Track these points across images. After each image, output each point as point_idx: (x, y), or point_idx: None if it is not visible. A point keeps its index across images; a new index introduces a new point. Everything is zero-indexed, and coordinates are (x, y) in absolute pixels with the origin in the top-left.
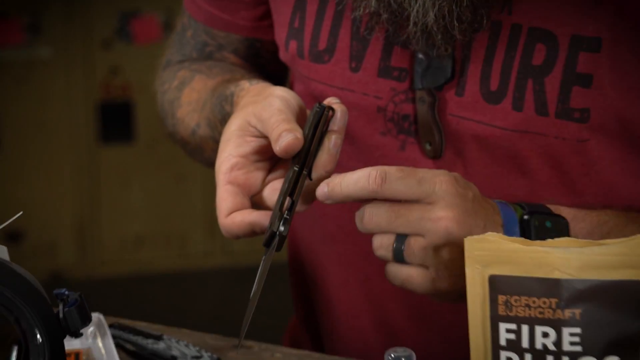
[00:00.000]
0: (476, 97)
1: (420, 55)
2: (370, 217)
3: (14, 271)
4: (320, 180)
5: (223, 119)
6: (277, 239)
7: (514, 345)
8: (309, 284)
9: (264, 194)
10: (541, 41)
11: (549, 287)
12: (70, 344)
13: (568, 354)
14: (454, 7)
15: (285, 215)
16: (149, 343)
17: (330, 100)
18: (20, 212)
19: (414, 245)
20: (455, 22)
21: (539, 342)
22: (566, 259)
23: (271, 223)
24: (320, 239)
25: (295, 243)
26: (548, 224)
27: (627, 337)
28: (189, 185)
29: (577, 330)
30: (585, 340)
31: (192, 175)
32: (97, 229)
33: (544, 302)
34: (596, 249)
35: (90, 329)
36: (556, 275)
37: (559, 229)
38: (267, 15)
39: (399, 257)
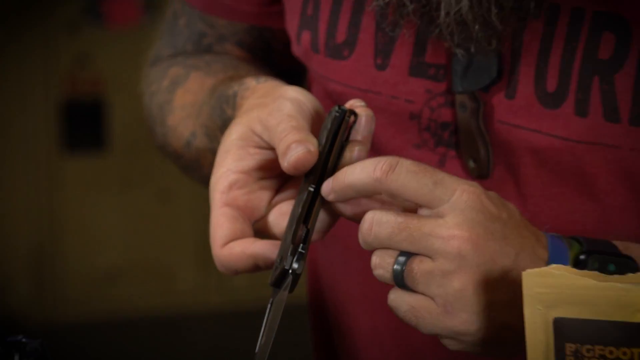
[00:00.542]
0: (530, 100)
1: (459, 52)
2: (370, 226)
3: None
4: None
5: (224, 124)
6: (290, 278)
7: None
8: (333, 328)
9: (269, 219)
10: (609, 29)
11: (631, 333)
12: None
13: None
14: None
15: (300, 249)
16: None
17: (353, 103)
18: None
19: (417, 268)
20: (493, 8)
21: None
22: None
23: (281, 257)
24: (344, 274)
25: (317, 275)
26: (611, 268)
27: None
28: (176, 205)
29: None
30: None
31: (180, 192)
32: (59, 260)
33: (624, 353)
34: None
35: None
36: (639, 318)
37: (625, 274)
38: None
39: (398, 280)
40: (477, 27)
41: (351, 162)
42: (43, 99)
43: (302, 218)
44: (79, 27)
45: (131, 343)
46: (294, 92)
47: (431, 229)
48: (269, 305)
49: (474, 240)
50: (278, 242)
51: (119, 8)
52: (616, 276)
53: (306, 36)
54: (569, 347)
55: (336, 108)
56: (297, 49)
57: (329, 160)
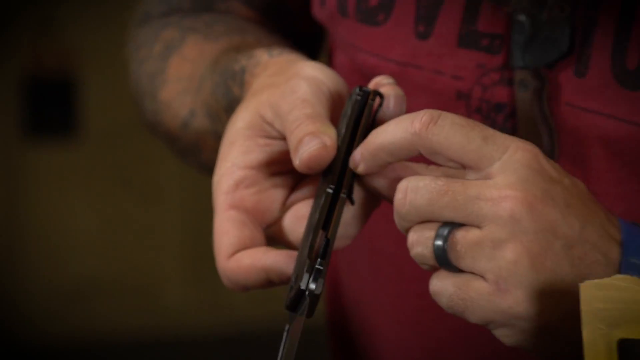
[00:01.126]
0: (606, 79)
1: (522, 18)
2: (404, 194)
3: None
4: None
5: (229, 106)
6: (307, 300)
7: None
8: (357, 352)
9: (284, 224)
10: None
11: None
12: None
13: None
14: None
15: (317, 265)
16: None
17: (380, 82)
18: None
19: (462, 240)
20: None
21: None
22: None
23: (297, 275)
24: (372, 285)
25: (338, 287)
26: None
27: None
28: (164, 206)
29: None
30: None
31: (169, 190)
32: (20, 271)
33: None
34: None
35: None
36: None
37: None
38: None
39: (441, 257)
40: None
41: None
42: (1, 76)
43: (320, 226)
44: None
45: None
46: (311, 70)
47: (478, 191)
48: (284, 334)
49: (530, 202)
50: (295, 253)
51: None
52: None
53: None
54: None
55: (357, 90)
56: (319, 12)
57: (350, 154)
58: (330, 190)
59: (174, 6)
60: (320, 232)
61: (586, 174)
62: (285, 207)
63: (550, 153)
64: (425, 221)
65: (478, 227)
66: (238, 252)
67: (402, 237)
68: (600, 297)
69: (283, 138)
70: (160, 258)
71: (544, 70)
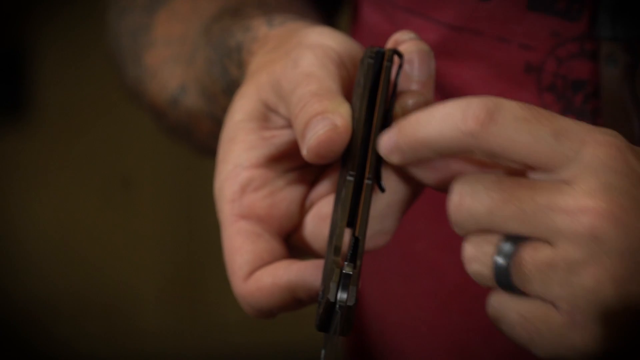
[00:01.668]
0: None
1: None
2: (460, 199)
3: None
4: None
5: (228, 88)
6: (338, 315)
7: None
8: None
9: (306, 228)
10: None
11: None
12: None
13: None
14: None
15: (345, 269)
16: None
17: (398, 38)
18: None
19: (530, 259)
20: None
21: None
22: None
23: (324, 286)
24: (403, 303)
25: (358, 309)
26: None
27: None
28: (138, 204)
29: None
30: None
31: (143, 182)
32: None
33: None
34: None
35: None
36: None
37: None
38: None
39: (502, 278)
40: None
41: None
42: None
43: (345, 222)
44: None
45: None
46: (317, 36)
47: (550, 200)
48: None
49: (615, 215)
50: (323, 261)
51: None
52: None
53: None
54: None
55: (368, 51)
56: None
57: (370, 133)
58: (351, 178)
59: None
60: (346, 230)
61: None
62: (305, 208)
63: None
64: (485, 230)
65: (549, 243)
66: (256, 271)
67: (444, 239)
68: None
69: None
70: (133, 271)
71: (637, 43)
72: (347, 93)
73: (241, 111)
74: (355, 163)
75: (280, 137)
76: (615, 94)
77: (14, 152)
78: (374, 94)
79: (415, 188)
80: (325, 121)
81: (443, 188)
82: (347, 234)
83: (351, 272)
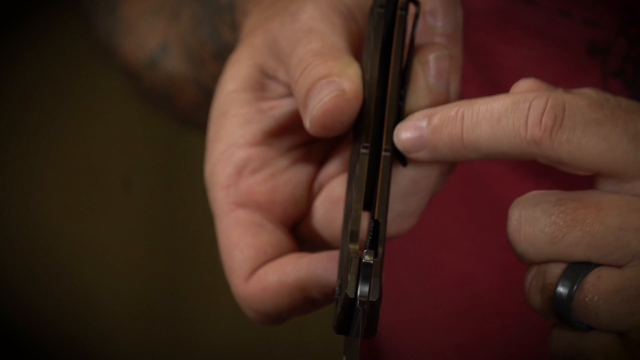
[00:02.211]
0: None
1: None
2: (518, 225)
3: None
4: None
5: (219, 53)
6: (359, 313)
7: None
8: None
9: (316, 215)
10: None
11: None
12: None
13: None
14: None
15: (364, 258)
16: None
17: None
18: None
19: (593, 287)
20: None
21: None
22: None
23: (341, 280)
24: (427, 323)
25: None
26: None
27: None
28: (103, 193)
29: None
30: None
31: (108, 166)
32: None
33: None
34: None
35: None
36: None
37: None
38: None
39: (562, 310)
40: None
41: (427, 85)
42: None
43: (361, 204)
44: None
45: None
46: None
47: (623, 220)
48: None
49: None
50: (337, 253)
51: None
52: None
53: None
54: None
55: None
56: None
57: (385, 96)
58: (365, 151)
59: None
60: (363, 214)
61: None
62: (313, 192)
63: None
64: (548, 260)
65: (618, 267)
66: (259, 269)
67: (479, 250)
68: None
69: None
70: (99, 285)
71: None
72: (357, 51)
73: (234, 80)
74: (369, 133)
75: (280, 108)
76: None
77: (14, 151)
78: (387, 50)
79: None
80: (330, 86)
81: None
82: (364, 218)
83: (372, 261)
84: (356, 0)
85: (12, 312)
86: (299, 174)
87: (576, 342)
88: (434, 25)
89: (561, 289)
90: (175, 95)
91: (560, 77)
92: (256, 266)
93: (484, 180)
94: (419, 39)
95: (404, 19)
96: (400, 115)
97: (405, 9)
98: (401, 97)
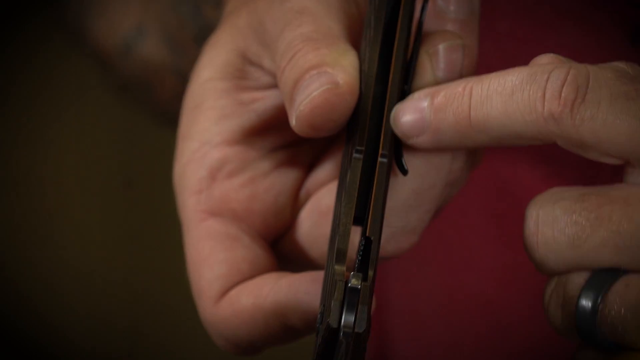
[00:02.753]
0: None
1: None
2: (537, 229)
3: None
4: None
5: (200, 35)
6: (343, 345)
7: None
8: None
9: (300, 229)
10: None
11: None
12: None
13: None
14: None
15: (351, 282)
16: None
17: None
18: None
19: (620, 298)
20: None
21: None
22: None
23: (323, 306)
24: (433, 337)
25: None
26: None
27: None
28: (143, 200)
29: None
30: None
31: (147, 178)
32: None
33: None
34: None
35: None
36: None
37: None
38: None
39: (585, 326)
40: None
41: (436, 82)
42: None
43: (351, 218)
44: None
45: None
46: None
47: None
48: None
49: None
50: (322, 274)
51: None
52: None
53: None
54: None
55: None
56: None
57: (385, 93)
58: (359, 155)
59: None
60: (354, 229)
61: None
62: (299, 201)
63: None
64: (572, 269)
65: None
66: (232, 289)
67: (504, 270)
68: None
69: None
70: (134, 273)
71: None
72: (355, 38)
73: (211, 66)
74: (364, 135)
75: (264, 102)
76: None
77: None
78: (390, 38)
79: (458, 167)
80: (322, 78)
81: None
82: (355, 234)
83: (359, 286)
84: None
85: (12, 312)
86: (283, 179)
87: None
88: (445, 9)
89: (584, 302)
90: (153, 85)
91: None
92: (228, 286)
93: (510, 192)
94: (427, 26)
95: (410, 1)
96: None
97: None
98: (404, 93)
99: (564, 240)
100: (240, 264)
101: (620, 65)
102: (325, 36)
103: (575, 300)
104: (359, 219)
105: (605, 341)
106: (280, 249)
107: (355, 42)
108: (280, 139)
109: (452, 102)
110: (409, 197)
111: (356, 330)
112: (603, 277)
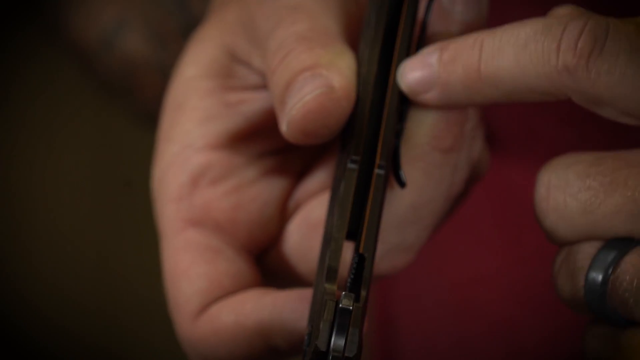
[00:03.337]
0: None
1: None
2: (549, 194)
3: None
4: None
5: (186, 28)
6: None
7: None
8: None
9: (289, 242)
10: None
11: None
12: None
13: None
14: None
15: (342, 302)
16: None
17: None
18: None
19: (632, 269)
20: None
21: None
22: None
23: (311, 327)
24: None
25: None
26: None
27: None
28: (143, 200)
29: None
30: None
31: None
32: None
33: None
34: None
35: None
36: None
37: None
38: None
39: (594, 299)
40: None
41: None
42: None
43: (344, 233)
44: None
45: None
46: None
47: None
48: None
49: None
50: (310, 292)
51: None
52: None
53: None
54: None
55: None
56: None
57: (384, 99)
58: (353, 166)
59: None
60: (346, 245)
61: None
62: (288, 212)
63: None
64: (585, 238)
65: None
66: (212, 305)
67: (517, 285)
68: None
69: None
70: (135, 274)
71: None
72: (354, 38)
73: (196, 63)
74: (360, 143)
75: (252, 103)
76: None
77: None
78: (391, 39)
79: (460, 180)
80: (316, 80)
81: None
82: (348, 250)
83: (351, 307)
84: None
85: (12, 313)
86: (271, 188)
87: (612, 341)
88: (451, 9)
89: (594, 273)
90: (135, 83)
91: None
92: (208, 302)
93: (522, 202)
94: (431, 27)
95: (414, 1)
96: (402, 121)
97: None
98: (405, 99)
99: (576, 206)
100: (222, 278)
101: None
102: (321, 35)
103: (585, 271)
104: (352, 234)
105: (616, 315)
106: (266, 263)
107: (353, 42)
108: (269, 145)
109: (461, 55)
110: (406, 212)
111: (346, 354)
112: (615, 246)
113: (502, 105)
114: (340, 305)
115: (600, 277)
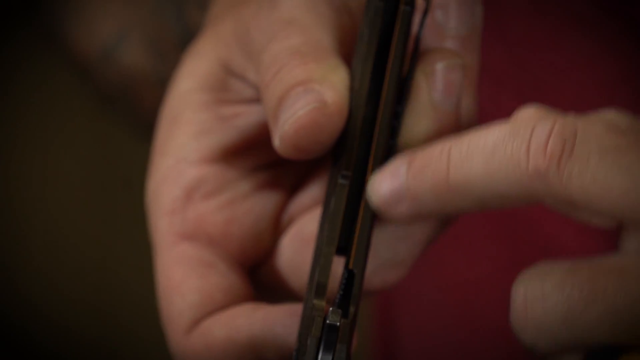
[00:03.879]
0: None
1: None
2: (526, 306)
3: None
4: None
5: (184, 40)
6: None
7: None
8: None
9: (281, 257)
10: None
11: None
12: None
13: None
14: None
15: (329, 318)
16: None
17: None
18: None
19: None
20: None
21: None
22: None
23: (299, 343)
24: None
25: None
26: None
27: None
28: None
29: None
30: None
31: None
32: None
33: None
34: None
35: None
36: None
37: None
38: None
39: None
40: None
41: (432, 104)
42: None
43: (334, 248)
44: None
45: None
46: None
47: None
48: None
49: None
50: (301, 307)
51: None
52: None
53: None
54: None
55: None
56: None
57: (376, 114)
58: (344, 181)
59: None
60: (334, 260)
61: None
62: (281, 226)
63: None
64: (567, 349)
65: None
66: (204, 320)
67: (498, 272)
68: None
69: None
70: (135, 274)
71: None
72: (348, 52)
73: (191, 76)
74: (351, 158)
75: (246, 117)
76: None
77: (13, 150)
78: (384, 54)
79: None
80: (308, 95)
81: None
82: (338, 265)
83: (338, 323)
84: None
85: (12, 312)
86: (264, 202)
87: None
88: (444, 24)
89: None
90: (135, 95)
91: (616, 80)
92: (200, 316)
93: (523, 214)
94: (425, 42)
95: (407, 16)
96: (394, 137)
97: (411, 3)
98: (397, 115)
99: (556, 318)
100: (214, 293)
101: (610, 115)
102: (315, 50)
103: None
104: (343, 249)
105: None
106: (259, 277)
107: (348, 56)
108: (262, 159)
109: (429, 164)
110: (398, 227)
111: None
112: (599, 357)
113: (496, 111)
114: (328, 322)
115: None
